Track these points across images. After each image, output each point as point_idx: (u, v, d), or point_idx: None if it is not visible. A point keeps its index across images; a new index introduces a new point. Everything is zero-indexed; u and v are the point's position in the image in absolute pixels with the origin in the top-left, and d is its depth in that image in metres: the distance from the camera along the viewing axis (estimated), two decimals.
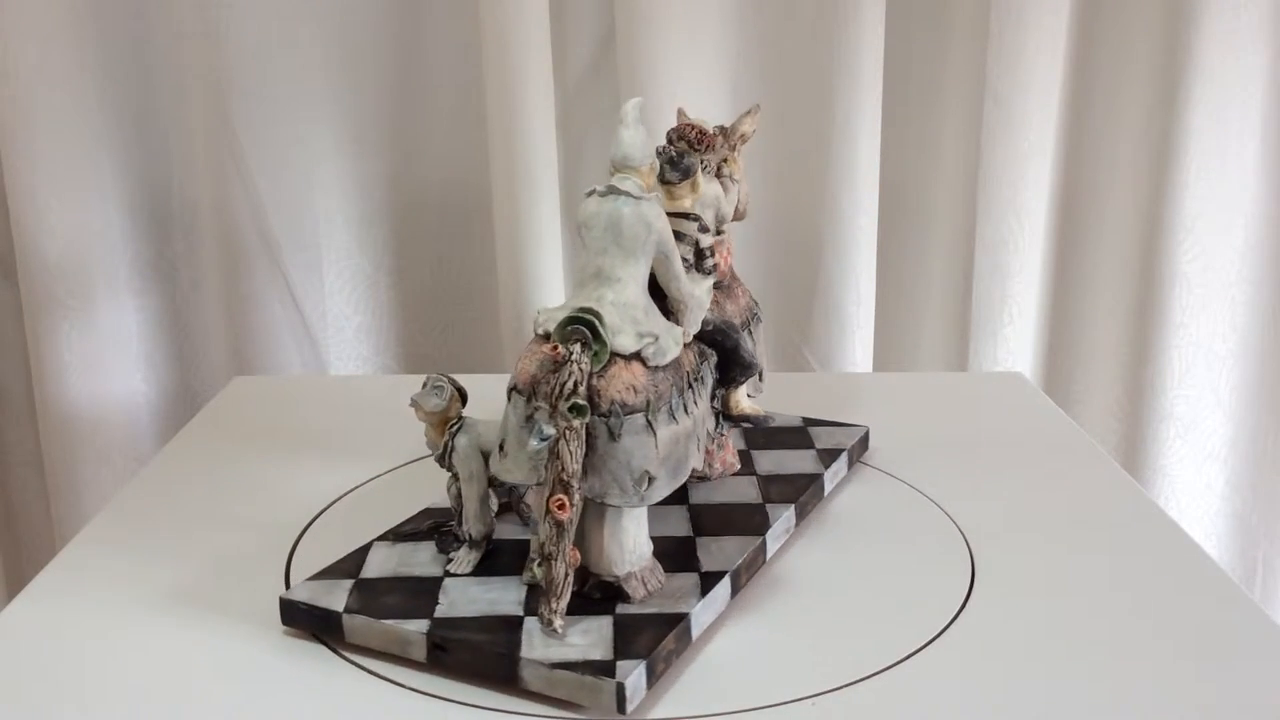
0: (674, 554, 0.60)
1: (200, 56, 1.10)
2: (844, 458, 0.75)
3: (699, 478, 0.71)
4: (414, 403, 0.60)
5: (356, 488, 0.75)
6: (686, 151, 0.66)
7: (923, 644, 0.56)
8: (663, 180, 0.64)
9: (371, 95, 1.16)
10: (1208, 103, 1.14)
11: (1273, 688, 0.53)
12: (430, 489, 0.70)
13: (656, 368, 0.55)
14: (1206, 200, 1.17)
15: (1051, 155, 1.18)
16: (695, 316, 0.60)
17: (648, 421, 0.54)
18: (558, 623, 0.52)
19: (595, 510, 0.55)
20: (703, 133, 0.67)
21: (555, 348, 0.53)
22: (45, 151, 1.07)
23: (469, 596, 0.57)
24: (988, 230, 1.17)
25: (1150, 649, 0.56)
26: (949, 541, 0.67)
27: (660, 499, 0.55)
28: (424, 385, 0.60)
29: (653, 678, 0.52)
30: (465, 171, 1.18)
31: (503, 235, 1.15)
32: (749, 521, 0.65)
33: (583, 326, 0.53)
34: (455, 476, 0.61)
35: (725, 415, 0.76)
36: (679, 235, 0.63)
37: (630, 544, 0.56)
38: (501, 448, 0.56)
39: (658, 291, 0.58)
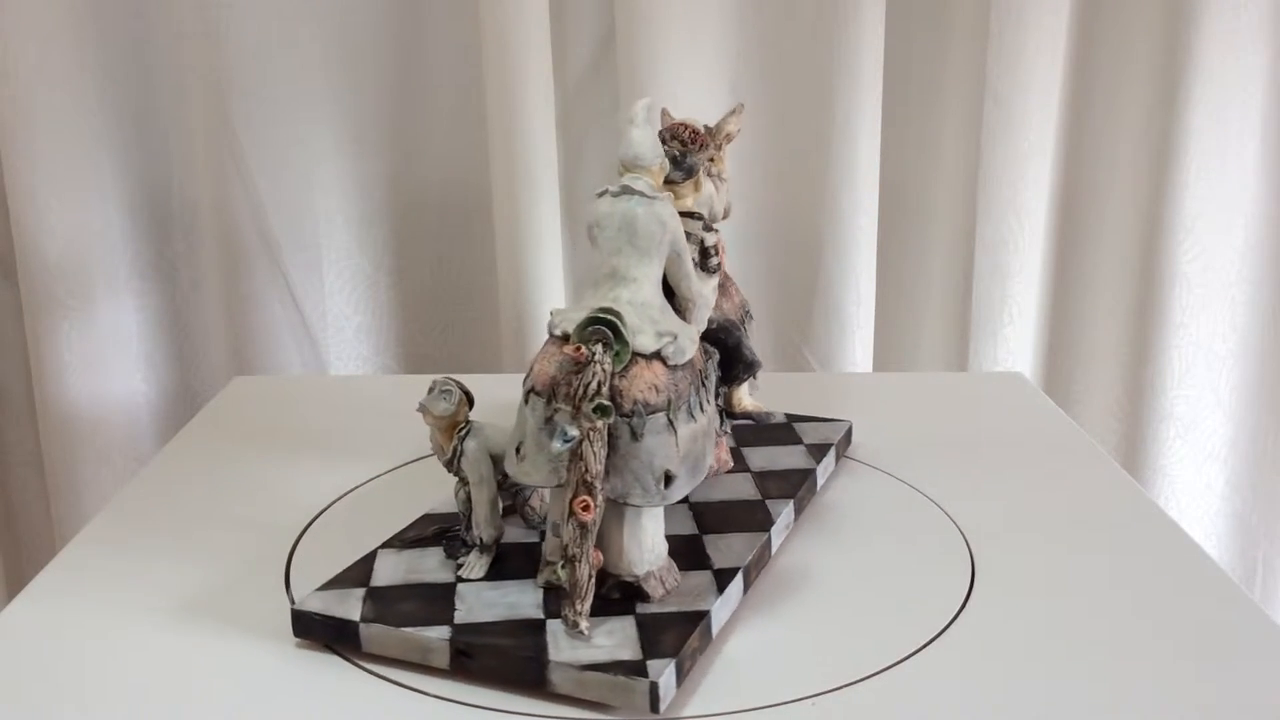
0: (684, 552, 0.60)
1: (200, 56, 1.10)
2: (832, 452, 0.76)
3: None
4: (422, 408, 0.59)
5: (356, 488, 0.75)
6: (687, 151, 0.66)
7: (923, 644, 0.56)
8: (665, 180, 0.64)
9: (371, 95, 1.16)
10: (1208, 103, 1.14)
11: (1273, 688, 0.53)
12: (430, 489, 0.70)
13: (676, 366, 0.55)
14: (1206, 200, 1.17)
15: (1051, 155, 1.18)
16: (702, 315, 0.60)
17: (669, 420, 0.54)
18: (584, 624, 0.52)
19: (614, 511, 0.55)
20: (696, 132, 0.68)
21: (578, 349, 0.53)
22: (45, 151, 1.07)
23: (486, 601, 0.56)
24: (988, 230, 1.17)
25: (1150, 649, 0.56)
26: (949, 541, 0.67)
27: (680, 498, 0.55)
28: (431, 390, 0.59)
29: (681, 676, 0.52)
30: (465, 171, 1.18)
31: (503, 235, 1.15)
32: (751, 518, 0.65)
33: (604, 327, 0.53)
34: (463, 481, 0.61)
35: (728, 413, 0.76)
36: (685, 234, 0.63)
37: (649, 543, 0.57)
38: (519, 451, 0.55)
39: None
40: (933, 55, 1.19)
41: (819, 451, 0.75)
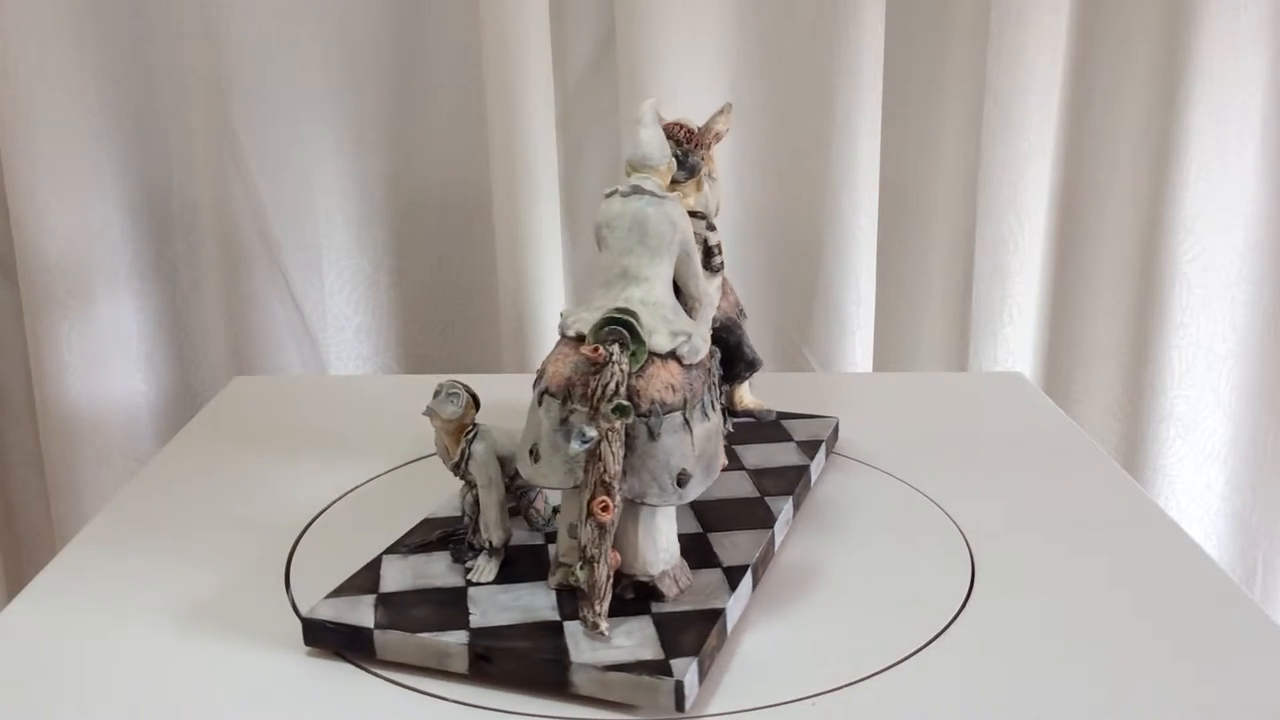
0: (692, 551, 0.60)
1: (200, 56, 1.10)
2: (823, 449, 0.76)
3: None
4: (429, 411, 0.59)
5: (356, 488, 0.75)
6: (686, 150, 0.66)
7: (923, 644, 0.56)
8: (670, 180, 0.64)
9: (371, 95, 1.16)
10: (1208, 103, 1.14)
11: (1273, 688, 0.53)
12: (430, 489, 0.70)
13: (690, 366, 0.55)
14: (1206, 200, 1.17)
15: (1051, 155, 1.18)
16: (707, 314, 0.61)
17: (685, 419, 0.54)
18: (603, 625, 0.52)
19: (629, 511, 0.55)
20: (692, 131, 0.68)
21: (596, 349, 0.52)
22: (45, 151, 1.07)
23: (499, 604, 0.56)
24: (988, 230, 1.17)
25: (1150, 649, 0.56)
26: (949, 541, 0.67)
27: (696, 497, 0.55)
28: (437, 393, 0.59)
29: (703, 674, 0.52)
30: (465, 171, 1.18)
31: (503, 235, 1.15)
32: (753, 515, 0.66)
33: (620, 327, 0.53)
34: (470, 484, 0.60)
35: (730, 411, 0.76)
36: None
37: (664, 543, 0.57)
38: (533, 453, 0.55)
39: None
40: (933, 55, 1.19)
41: (810, 448, 0.76)
